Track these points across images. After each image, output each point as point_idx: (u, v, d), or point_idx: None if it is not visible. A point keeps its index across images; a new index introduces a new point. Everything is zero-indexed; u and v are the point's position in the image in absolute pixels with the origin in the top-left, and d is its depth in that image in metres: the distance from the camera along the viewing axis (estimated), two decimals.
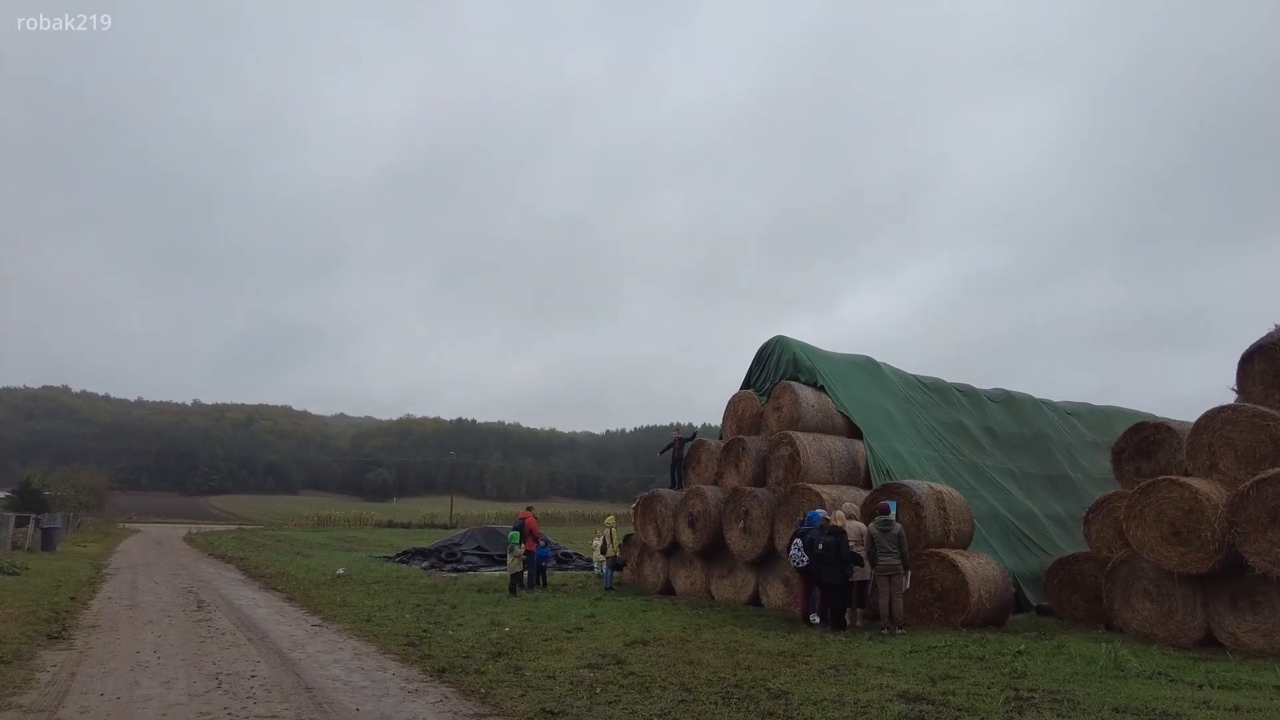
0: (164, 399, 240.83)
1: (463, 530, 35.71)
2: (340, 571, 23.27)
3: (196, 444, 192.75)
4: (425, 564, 27.51)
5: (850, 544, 13.20)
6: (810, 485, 15.81)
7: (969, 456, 20.11)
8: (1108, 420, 27.51)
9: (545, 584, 20.10)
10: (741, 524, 16.96)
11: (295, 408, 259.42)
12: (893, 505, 14.48)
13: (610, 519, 21.15)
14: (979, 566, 14.07)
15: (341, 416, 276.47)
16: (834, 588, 13.14)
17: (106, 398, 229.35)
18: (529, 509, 20.02)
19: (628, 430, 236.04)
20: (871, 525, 13.30)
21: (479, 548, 30.44)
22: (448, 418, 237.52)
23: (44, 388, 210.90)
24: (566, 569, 27.53)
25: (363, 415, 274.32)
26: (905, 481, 14.93)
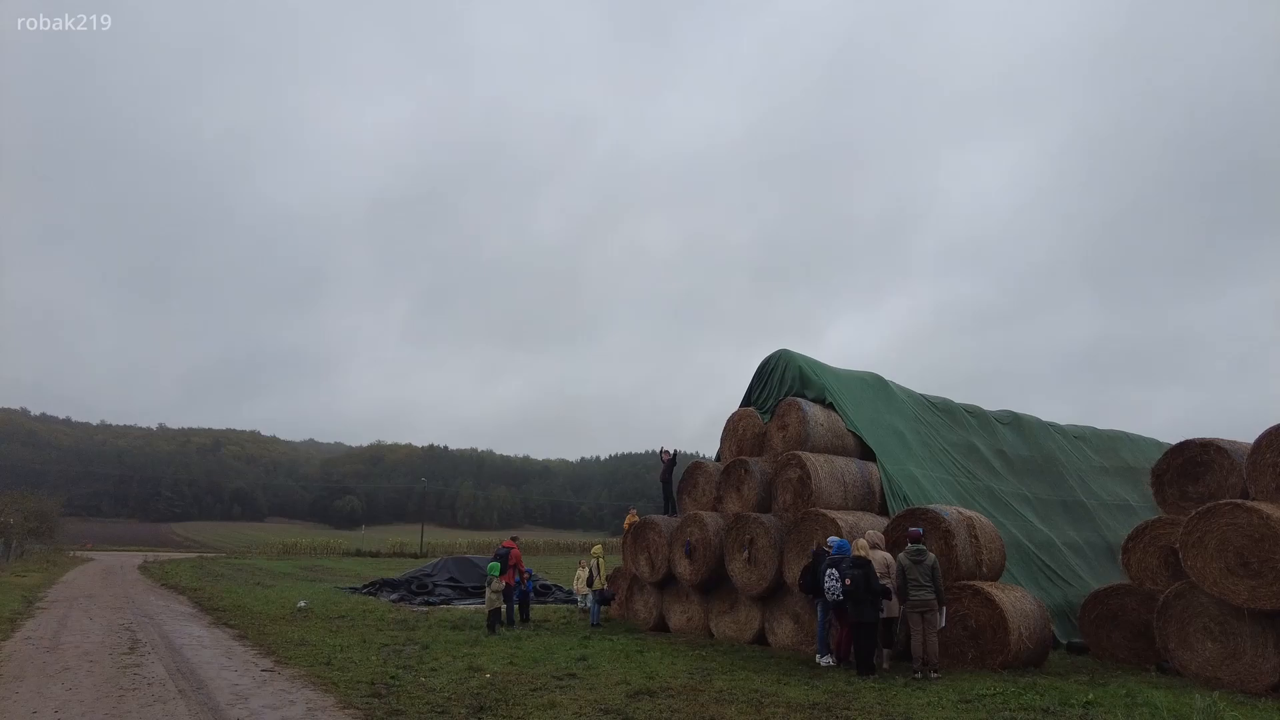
0: (129, 423, 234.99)
1: (434, 560, 33.78)
2: (302, 604, 21.38)
3: (161, 469, 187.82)
4: (394, 596, 25.61)
5: (877, 577, 11.73)
6: (824, 511, 14.31)
7: (984, 481, 18.75)
8: (1113, 444, 26.37)
9: (528, 619, 18.39)
10: (745, 554, 15.40)
11: (264, 433, 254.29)
12: (919, 530, 13.05)
13: (598, 548, 19.49)
14: (1016, 601, 12.62)
15: (311, 442, 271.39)
16: (863, 627, 11.60)
17: (68, 421, 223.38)
18: (514, 538, 18.32)
19: (603, 458, 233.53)
20: (902, 555, 11.81)
21: (451, 579, 28.55)
22: (419, 444, 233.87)
23: (1, 410, 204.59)
24: (546, 602, 25.76)
25: (332, 441, 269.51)
26: (933, 506, 13.46)
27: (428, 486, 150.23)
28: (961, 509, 13.79)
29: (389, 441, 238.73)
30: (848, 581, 11.59)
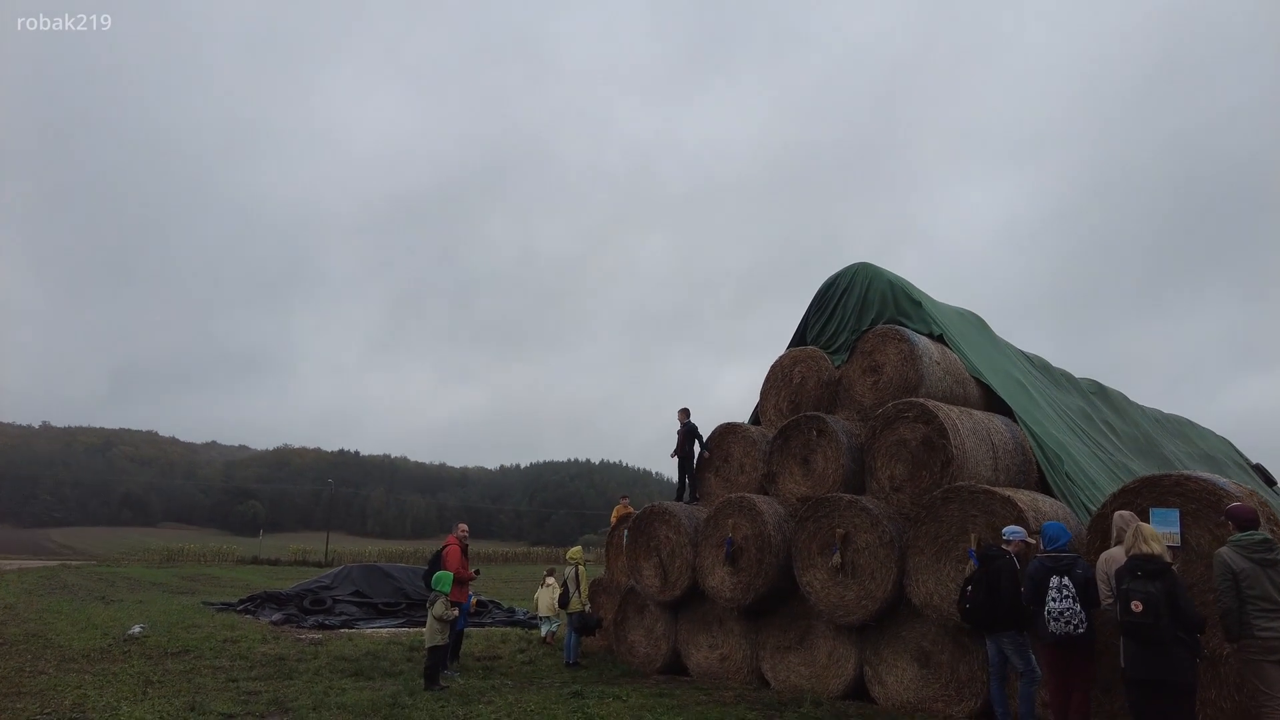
0: (9, 420, 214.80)
1: (335, 569, 26.92)
2: (135, 630, 14.80)
3: (40, 470, 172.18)
4: (278, 615, 19.02)
5: (1187, 594, 6.19)
6: (992, 488, 8.76)
7: (1119, 457, 13.54)
8: (1183, 430, 21.73)
9: (458, 657, 12.23)
10: (835, 557, 9.70)
11: (162, 433, 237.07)
12: (1174, 515, 7.63)
13: (576, 551, 13.51)
14: None
15: (213, 445, 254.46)
16: (1163, 693, 5.98)
17: None
18: (462, 529, 12.04)
19: (522, 466, 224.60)
20: (1226, 551, 6.27)
21: (357, 593, 21.98)
22: (329, 449, 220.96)
23: None
24: (482, 623, 19.57)
25: (236, 444, 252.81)
26: (1195, 473, 7.96)
27: (336, 489, 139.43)
28: (1237, 482, 8.36)
29: (296, 445, 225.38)
30: (1137, 605, 5.97)
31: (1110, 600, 6.71)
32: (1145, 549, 6.19)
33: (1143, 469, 14.72)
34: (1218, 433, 25.39)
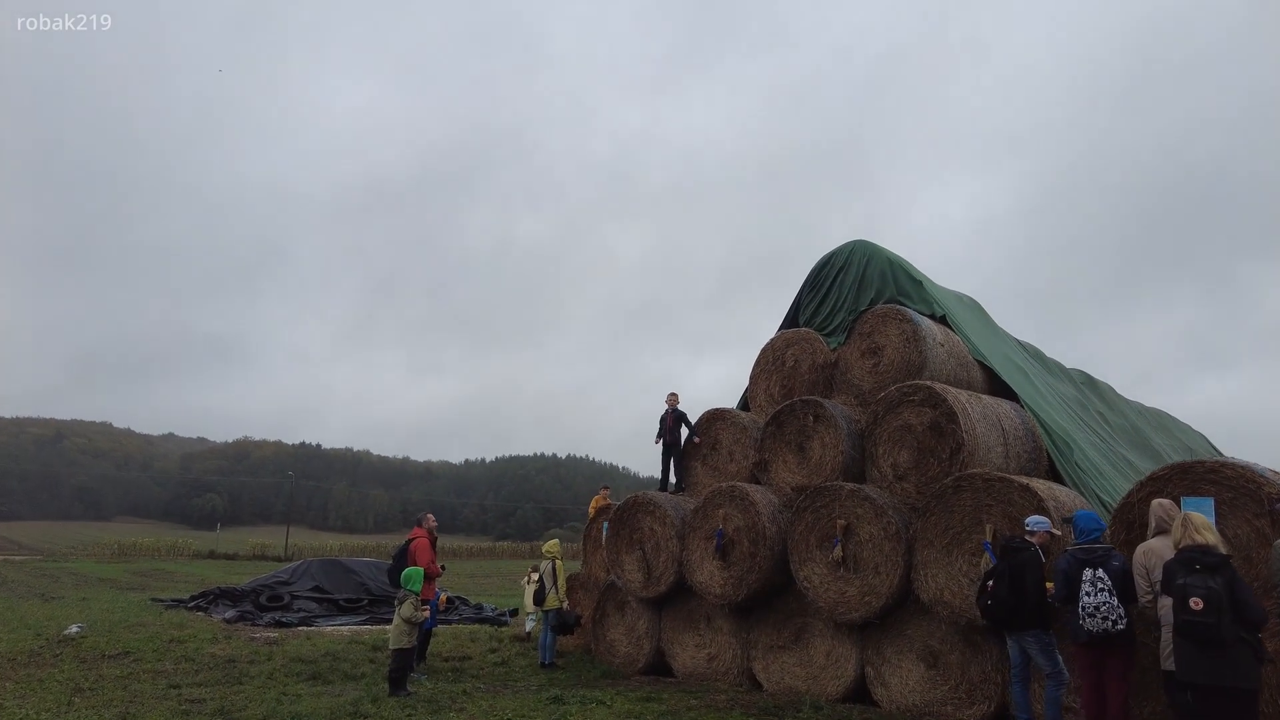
0: None
1: (295, 563, 25.78)
2: (73, 630, 13.76)
3: None
4: (231, 612, 17.97)
5: (1247, 588, 5.58)
6: (1011, 476, 8.14)
7: (1118, 448, 13.06)
8: (1164, 423, 21.46)
9: (424, 658, 11.38)
10: (836, 550, 9.02)
11: (117, 425, 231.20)
12: (1209, 505, 7.06)
13: (553, 544, 12.70)
14: None
15: (170, 436, 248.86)
16: (1236, 699, 5.36)
17: None
18: (431, 520, 11.16)
19: (488, 460, 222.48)
20: None
21: (316, 588, 20.95)
22: (290, 442, 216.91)
23: None
24: (450, 620, 18.70)
25: (195, 436, 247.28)
26: (1234, 460, 7.39)
27: (297, 482, 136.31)
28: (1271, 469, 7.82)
29: (256, 438, 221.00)
30: (1196, 602, 5.34)
31: (1150, 597, 6.12)
32: (1199, 540, 5.57)
33: (1138, 460, 14.27)
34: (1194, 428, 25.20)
